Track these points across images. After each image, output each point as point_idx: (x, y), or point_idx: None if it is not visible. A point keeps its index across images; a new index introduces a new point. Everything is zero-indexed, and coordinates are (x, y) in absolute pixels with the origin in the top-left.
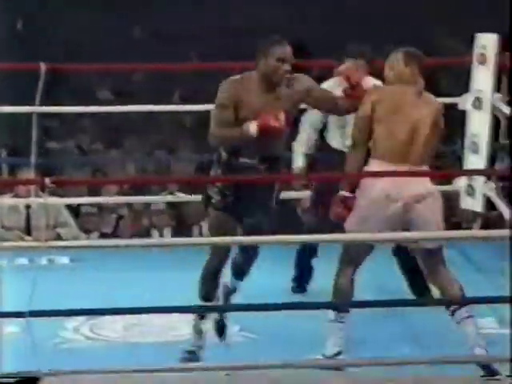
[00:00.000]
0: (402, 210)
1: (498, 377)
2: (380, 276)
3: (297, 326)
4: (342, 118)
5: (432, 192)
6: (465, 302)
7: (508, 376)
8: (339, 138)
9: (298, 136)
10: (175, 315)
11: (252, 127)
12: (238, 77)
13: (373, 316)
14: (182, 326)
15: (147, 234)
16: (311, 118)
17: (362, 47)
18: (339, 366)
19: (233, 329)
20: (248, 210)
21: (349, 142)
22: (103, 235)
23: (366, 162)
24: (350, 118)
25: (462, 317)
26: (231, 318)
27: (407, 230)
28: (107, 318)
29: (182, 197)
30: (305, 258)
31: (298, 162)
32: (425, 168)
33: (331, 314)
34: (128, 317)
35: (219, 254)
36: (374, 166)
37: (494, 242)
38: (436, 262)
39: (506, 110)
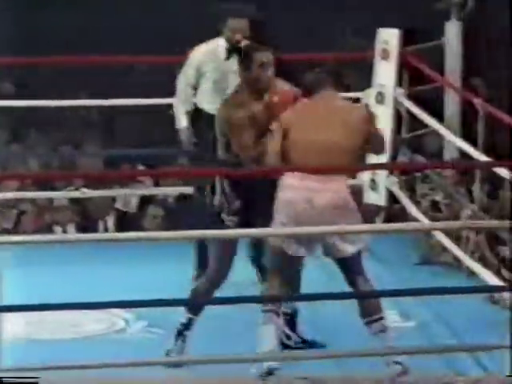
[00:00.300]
0: (315, 219)
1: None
2: None
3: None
4: (224, 80)
5: (343, 204)
6: (368, 295)
7: (508, 376)
8: (213, 103)
9: (176, 96)
10: (78, 312)
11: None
12: None
13: None
14: (85, 323)
15: (50, 230)
16: (186, 76)
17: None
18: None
19: (139, 325)
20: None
21: None
22: (4, 230)
23: None
24: (233, 81)
25: (377, 330)
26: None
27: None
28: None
29: (88, 192)
30: None
31: (182, 122)
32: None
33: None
34: (30, 313)
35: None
36: (288, 183)
37: (397, 235)
38: (354, 271)
39: (407, 104)
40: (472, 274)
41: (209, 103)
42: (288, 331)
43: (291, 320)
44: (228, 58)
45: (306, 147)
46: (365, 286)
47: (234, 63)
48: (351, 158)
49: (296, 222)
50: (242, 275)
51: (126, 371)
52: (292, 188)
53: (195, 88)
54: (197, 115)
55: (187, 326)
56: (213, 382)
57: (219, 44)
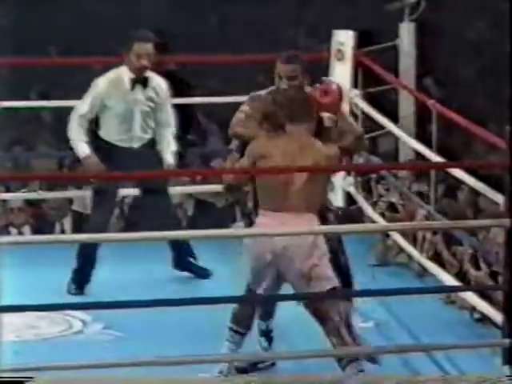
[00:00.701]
0: (272, 259)
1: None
2: None
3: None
4: (129, 111)
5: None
6: (327, 295)
7: (508, 376)
8: (118, 135)
9: (70, 123)
10: (34, 314)
11: None
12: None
13: None
14: (43, 325)
15: (6, 232)
16: (85, 107)
17: None
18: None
19: (97, 327)
20: None
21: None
22: None
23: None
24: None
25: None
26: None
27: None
28: None
29: (43, 194)
30: None
31: (85, 149)
32: (311, 215)
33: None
34: None
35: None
36: (261, 216)
37: (354, 237)
38: (326, 312)
39: (362, 105)
40: (429, 274)
41: (113, 135)
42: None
43: (268, 337)
44: (133, 88)
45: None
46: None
47: (138, 92)
48: (320, 183)
49: (259, 259)
50: None
51: (82, 373)
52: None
53: (92, 120)
54: (98, 145)
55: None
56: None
57: (122, 72)
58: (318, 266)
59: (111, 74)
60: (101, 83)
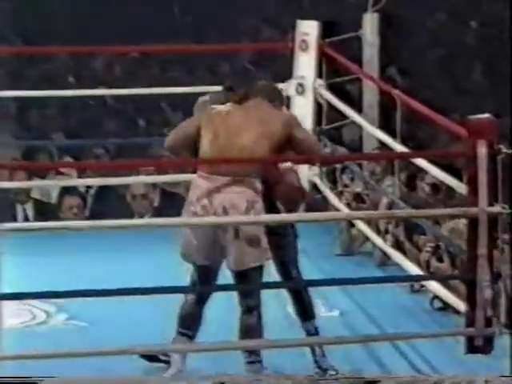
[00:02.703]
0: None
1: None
2: None
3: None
4: None
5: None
6: (291, 286)
7: (507, 376)
8: None
9: None
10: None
11: None
12: None
13: None
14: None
15: None
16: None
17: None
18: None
19: (60, 317)
20: None
21: None
22: None
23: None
24: None
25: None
26: None
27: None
28: None
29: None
30: None
31: None
32: (252, 180)
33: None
34: None
35: None
36: (196, 179)
37: (319, 226)
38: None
39: (327, 95)
40: (392, 263)
41: None
42: None
43: None
44: None
45: (218, 149)
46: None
47: None
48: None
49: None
50: None
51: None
52: (198, 188)
53: None
54: None
55: None
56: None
57: None
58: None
59: None
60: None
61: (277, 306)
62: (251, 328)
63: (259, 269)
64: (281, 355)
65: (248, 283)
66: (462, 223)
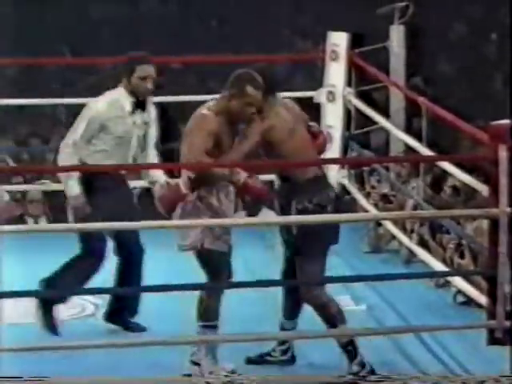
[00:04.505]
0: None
1: None
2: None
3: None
4: (127, 137)
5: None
6: (323, 281)
7: (507, 376)
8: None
9: (63, 150)
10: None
11: None
12: None
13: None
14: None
15: (22, 222)
16: (86, 129)
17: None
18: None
19: None
20: None
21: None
22: None
23: None
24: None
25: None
26: None
27: None
28: None
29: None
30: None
31: (75, 188)
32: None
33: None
34: None
35: None
36: None
37: (348, 226)
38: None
39: (356, 102)
40: (417, 260)
41: (108, 160)
42: None
43: None
44: (133, 111)
45: None
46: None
47: (137, 116)
48: None
49: None
50: None
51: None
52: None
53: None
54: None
55: None
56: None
57: (121, 95)
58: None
59: (111, 95)
60: (99, 105)
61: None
62: None
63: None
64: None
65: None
66: (485, 223)
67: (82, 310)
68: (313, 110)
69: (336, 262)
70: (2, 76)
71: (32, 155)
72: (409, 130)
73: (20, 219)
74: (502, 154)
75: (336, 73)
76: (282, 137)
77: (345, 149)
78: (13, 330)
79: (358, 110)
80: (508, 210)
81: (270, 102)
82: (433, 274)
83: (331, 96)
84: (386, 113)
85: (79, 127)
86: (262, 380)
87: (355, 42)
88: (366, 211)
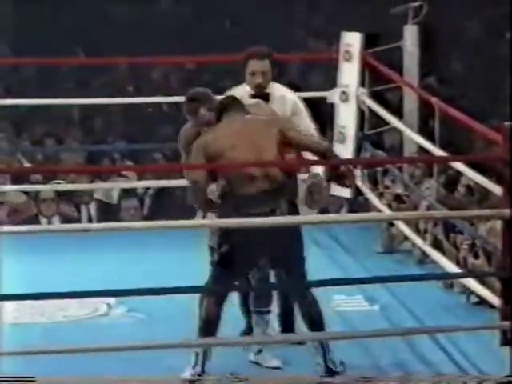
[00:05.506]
0: None
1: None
2: None
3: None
4: None
5: None
6: (336, 282)
7: (507, 376)
8: None
9: None
10: None
11: None
12: None
13: None
14: (71, 307)
15: (36, 222)
16: None
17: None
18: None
19: (121, 309)
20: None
21: None
22: None
23: None
24: None
25: None
26: None
27: None
28: None
29: (71, 186)
30: None
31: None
32: None
33: None
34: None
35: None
36: None
37: (361, 226)
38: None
39: (369, 102)
40: (430, 261)
41: None
42: None
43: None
44: None
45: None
46: None
47: None
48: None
49: None
50: None
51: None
52: None
53: None
54: None
55: None
56: None
57: (246, 90)
58: None
59: (237, 90)
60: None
61: None
62: None
63: None
64: None
65: None
66: (499, 223)
67: (95, 309)
68: (326, 110)
69: (349, 262)
70: (18, 76)
71: (46, 155)
72: (422, 130)
73: (35, 218)
74: None
75: (349, 73)
76: (216, 151)
77: (358, 149)
78: (13, 330)
79: (371, 111)
80: None
81: (224, 118)
82: (446, 276)
83: (344, 96)
84: (399, 113)
85: None
86: (261, 380)
87: (369, 42)
88: (379, 211)
